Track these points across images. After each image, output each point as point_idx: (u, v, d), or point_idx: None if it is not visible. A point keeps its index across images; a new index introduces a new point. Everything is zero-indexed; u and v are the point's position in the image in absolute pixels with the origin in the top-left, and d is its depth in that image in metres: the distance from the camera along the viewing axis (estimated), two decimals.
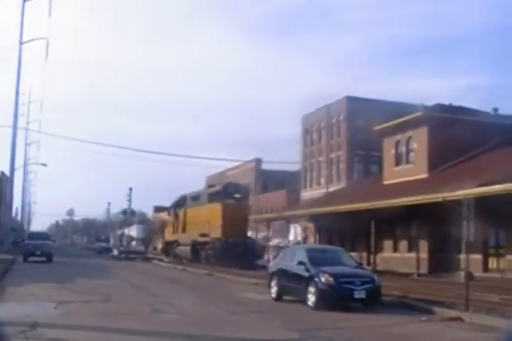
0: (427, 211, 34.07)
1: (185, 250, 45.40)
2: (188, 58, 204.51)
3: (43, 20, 61.60)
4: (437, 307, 16.41)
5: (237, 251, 37.63)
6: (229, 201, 40.71)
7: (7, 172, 64.47)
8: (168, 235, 51.53)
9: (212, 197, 42.58)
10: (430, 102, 50.54)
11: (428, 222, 36.89)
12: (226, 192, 41.52)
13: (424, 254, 36.90)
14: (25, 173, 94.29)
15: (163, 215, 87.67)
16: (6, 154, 57.19)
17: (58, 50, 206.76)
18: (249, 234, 45.18)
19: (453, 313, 15.22)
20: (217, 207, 40.64)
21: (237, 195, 41.48)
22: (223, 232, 39.39)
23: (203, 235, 41.53)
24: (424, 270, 35.98)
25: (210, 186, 46.93)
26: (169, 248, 50.06)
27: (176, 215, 49.41)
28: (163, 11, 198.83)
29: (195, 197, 46.59)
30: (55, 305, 15.92)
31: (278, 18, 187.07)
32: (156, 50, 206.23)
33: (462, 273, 27.28)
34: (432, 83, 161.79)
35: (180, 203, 49.37)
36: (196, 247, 43.21)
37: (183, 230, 46.81)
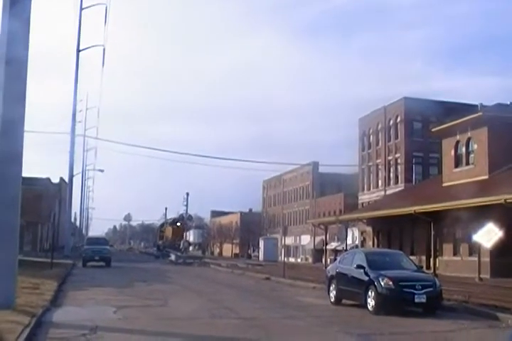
0: (488, 213, 33.27)
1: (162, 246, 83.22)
2: (242, 62, 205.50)
3: (99, 27, 62.70)
4: (502, 313, 15.73)
5: (176, 246, 71.94)
6: (174, 226, 77.89)
7: (66, 179, 65.81)
8: (159, 240, 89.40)
9: (170, 223, 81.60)
10: (489, 101, 49.61)
11: None
12: (173, 222, 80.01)
13: (485, 258, 35.96)
14: (84, 179, 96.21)
15: (221, 220, 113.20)
16: (65, 160, 58.46)
17: (114, 57, 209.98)
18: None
19: None
20: (169, 228, 79.71)
21: (178, 223, 78.03)
22: (171, 238, 77.19)
23: (165, 239, 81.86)
24: (485, 274, 35.07)
25: (171, 218, 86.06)
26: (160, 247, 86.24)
27: (161, 230, 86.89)
28: (216, 18, 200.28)
29: (166, 222, 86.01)
30: (114, 310, 16.07)
31: (332, 18, 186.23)
32: (213, 55, 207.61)
33: None
34: (490, 81, 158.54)
35: (163, 224, 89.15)
36: (164, 244, 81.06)
37: (162, 238, 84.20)
